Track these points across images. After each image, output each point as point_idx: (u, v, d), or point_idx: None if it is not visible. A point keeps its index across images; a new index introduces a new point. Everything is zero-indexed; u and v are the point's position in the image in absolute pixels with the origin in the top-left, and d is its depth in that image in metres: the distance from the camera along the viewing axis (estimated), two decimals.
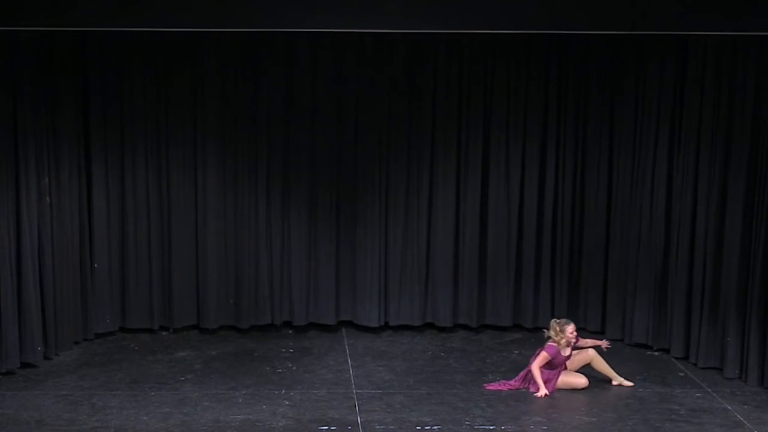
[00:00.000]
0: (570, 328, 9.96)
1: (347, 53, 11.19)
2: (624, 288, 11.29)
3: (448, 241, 11.62)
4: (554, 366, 9.95)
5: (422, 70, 11.30)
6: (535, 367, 9.87)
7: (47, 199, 10.37)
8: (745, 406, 9.61)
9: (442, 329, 11.73)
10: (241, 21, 9.64)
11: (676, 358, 10.87)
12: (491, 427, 9.05)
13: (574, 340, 10.04)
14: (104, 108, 10.98)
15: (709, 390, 10.03)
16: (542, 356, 9.88)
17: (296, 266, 11.53)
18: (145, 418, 9.14)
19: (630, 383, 10.10)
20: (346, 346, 11.22)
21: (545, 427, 9.08)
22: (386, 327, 11.73)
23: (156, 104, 11.12)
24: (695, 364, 10.64)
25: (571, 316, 11.69)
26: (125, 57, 10.90)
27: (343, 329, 11.71)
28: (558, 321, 10.08)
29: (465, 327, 11.76)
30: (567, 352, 10.01)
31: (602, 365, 10.14)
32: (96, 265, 11.17)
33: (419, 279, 11.68)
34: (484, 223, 11.62)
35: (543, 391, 9.78)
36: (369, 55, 11.22)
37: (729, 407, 9.60)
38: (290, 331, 11.67)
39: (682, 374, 10.48)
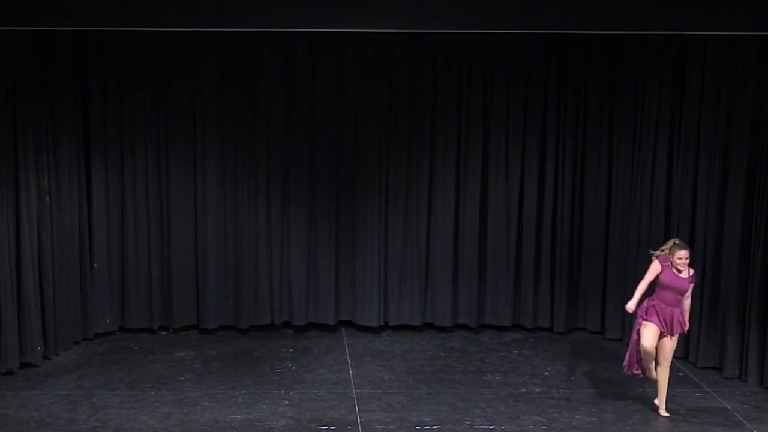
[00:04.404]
0: (680, 253, 9.03)
1: (347, 53, 11.19)
2: (624, 288, 11.27)
3: (447, 240, 11.62)
4: (665, 287, 9.11)
5: (422, 70, 11.30)
6: (643, 281, 9.15)
7: (47, 199, 10.37)
8: (745, 406, 9.61)
9: (441, 329, 11.73)
10: (241, 21, 9.64)
11: (676, 358, 10.86)
12: (491, 427, 9.06)
13: (681, 267, 9.07)
14: (104, 108, 10.97)
15: (708, 390, 10.04)
16: (651, 268, 9.14)
17: (296, 266, 11.53)
18: (144, 417, 9.14)
19: (667, 414, 9.38)
20: (346, 346, 11.22)
21: (545, 427, 9.08)
22: (386, 327, 11.74)
23: (156, 104, 11.11)
24: (695, 364, 10.65)
25: (571, 316, 11.75)
26: (125, 57, 10.90)
27: (343, 329, 11.71)
28: (678, 242, 9.22)
29: (465, 327, 11.76)
30: (684, 274, 9.10)
31: (664, 380, 9.37)
32: (96, 265, 11.17)
33: (419, 279, 11.68)
34: (483, 223, 11.62)
35: (631, 303, 9.16)
36: (369, 55, 11.21)
37: (728, 407, 9.60)
38: (290, 331, 11.67)
39: (681, 374, 10.48)
